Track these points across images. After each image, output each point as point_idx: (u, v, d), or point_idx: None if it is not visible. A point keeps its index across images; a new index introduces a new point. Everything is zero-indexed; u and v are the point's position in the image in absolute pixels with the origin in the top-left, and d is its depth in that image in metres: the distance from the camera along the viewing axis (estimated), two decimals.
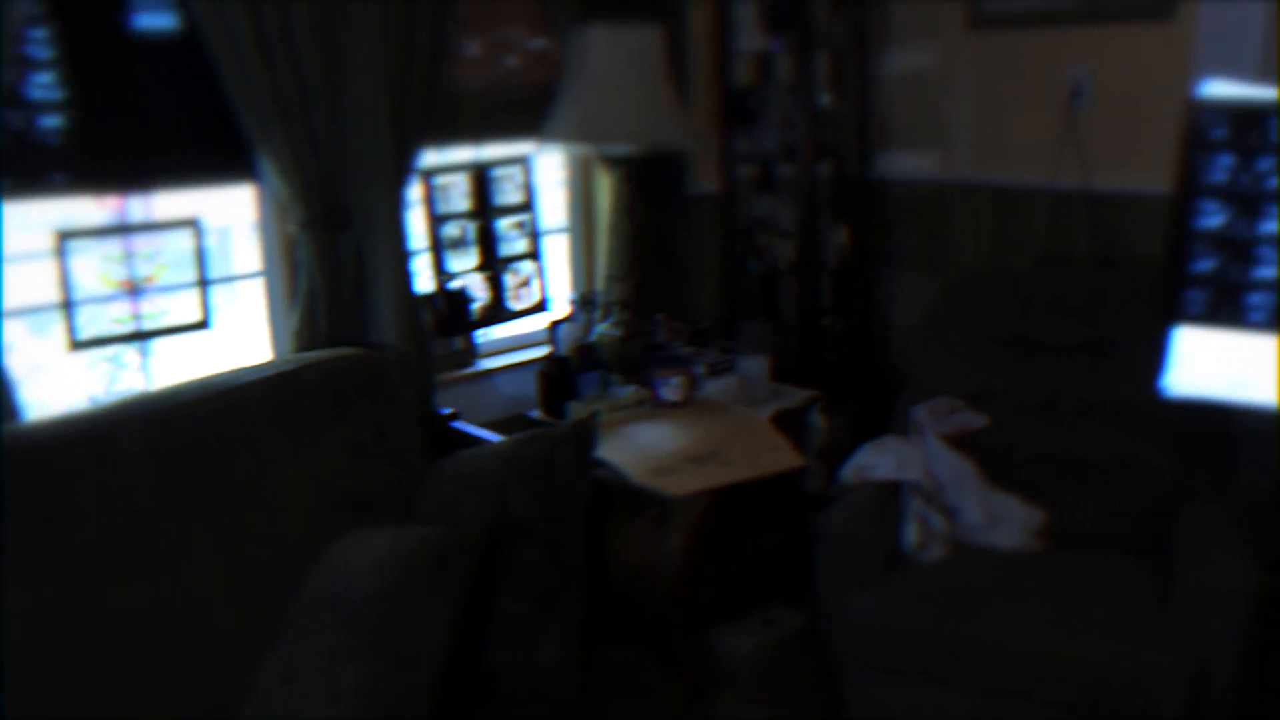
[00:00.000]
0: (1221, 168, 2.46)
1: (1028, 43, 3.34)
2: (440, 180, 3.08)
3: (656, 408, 3.00)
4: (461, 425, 2.75)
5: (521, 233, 3.24)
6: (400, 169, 2.73)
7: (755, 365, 3.09)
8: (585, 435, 2.27)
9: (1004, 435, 2.87)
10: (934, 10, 3.48)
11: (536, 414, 3.07)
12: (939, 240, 3.58)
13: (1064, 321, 2.89)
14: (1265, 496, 2.68)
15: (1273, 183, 2.42)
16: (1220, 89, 2.47)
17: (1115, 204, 3.14)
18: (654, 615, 2.32)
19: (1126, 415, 2.78)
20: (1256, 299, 2.44)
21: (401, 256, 2.76)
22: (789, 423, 3.09)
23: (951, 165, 3.55)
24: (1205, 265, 2.48)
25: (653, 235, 3.30)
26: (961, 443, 2.86)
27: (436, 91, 2.80)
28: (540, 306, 3.27)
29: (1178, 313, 2.51)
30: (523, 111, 3.03)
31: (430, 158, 3.02)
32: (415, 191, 3.00)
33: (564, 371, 2.97)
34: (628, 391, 3.00)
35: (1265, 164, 2.43)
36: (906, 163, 3.63)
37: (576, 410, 2.88)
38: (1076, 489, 2.79)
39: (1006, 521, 2.74)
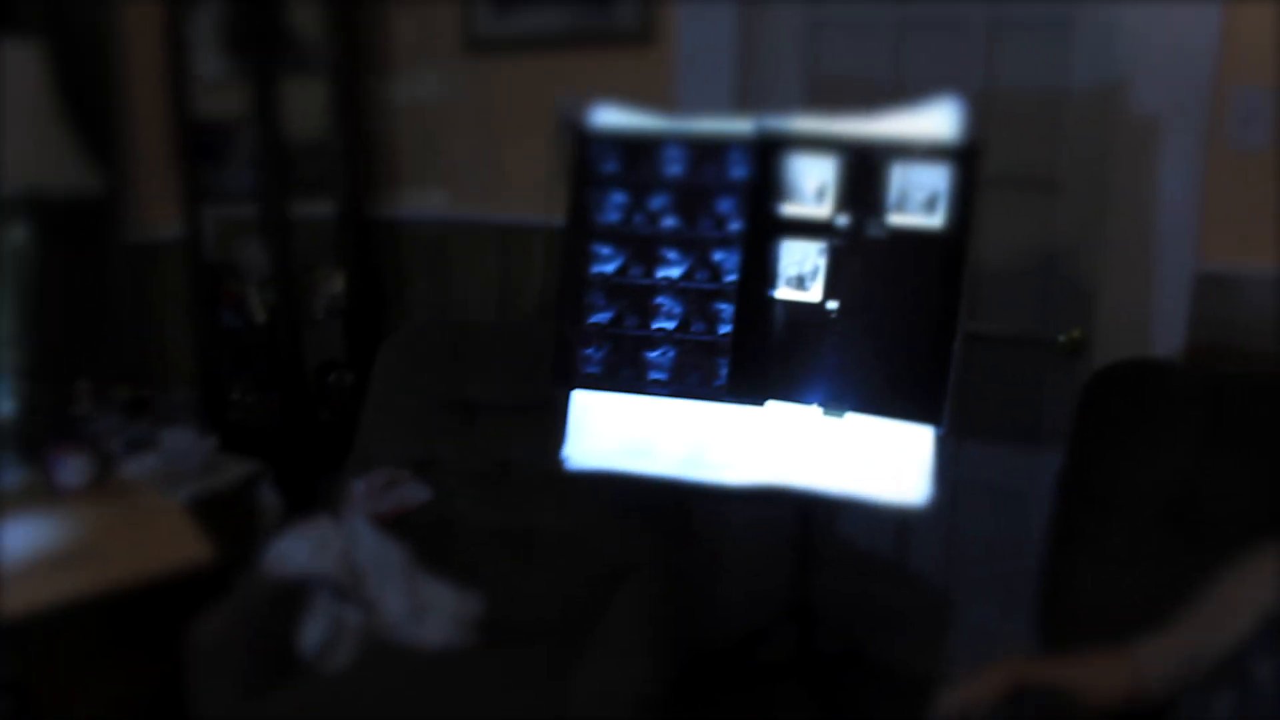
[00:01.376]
0: (615, 206, 2.18)
1: (523, 70, 3.06)
2: None
3: (54, 494, 2.54)
4: None
5: None
6: None
7: (183, 439, 2.66)
8: None
9: (447, 510, 2.54)
10: (431, 33, 3.16)
11: None
12: (448, 284, 3.25)
13: (507, 381, 2.58)
14: (696, 571, 2.44)
15: (668, 223, 2.15)
16: (610, 117, 2.19)
17: None
18: None
19: (575, 484, 2.47)
20: (655, 355, 2.16)
21: None
22: (235, 502, 2.69)
23: (459, 203, 3.23)
24: (603, 317, 2.19)
25: (80, 289, 2.84)
26: (400, 520, 2.51)
27: None
28: None
29: (574, 372, 2.20)
30: None
31: None
32: None
33: None
34: (18, 476, 2.54)
35: (659, 202, 2.16)
36: (414, 200, 3.29)
37: None
38: (521, 570, 2.47)
39: (435, 613, 2.38)
